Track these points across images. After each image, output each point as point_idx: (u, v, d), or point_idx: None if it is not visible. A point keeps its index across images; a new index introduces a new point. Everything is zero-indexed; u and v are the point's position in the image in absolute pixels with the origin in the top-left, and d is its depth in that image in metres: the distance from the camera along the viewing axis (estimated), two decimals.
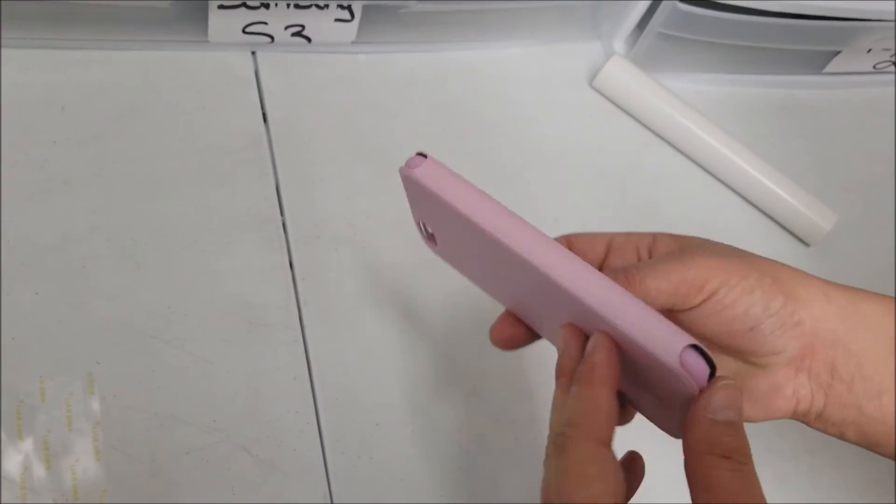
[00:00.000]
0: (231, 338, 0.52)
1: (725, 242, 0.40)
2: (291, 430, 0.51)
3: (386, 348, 0.55)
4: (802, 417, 0.40)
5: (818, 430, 0.40)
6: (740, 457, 0.33)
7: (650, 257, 0.40)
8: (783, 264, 0.39)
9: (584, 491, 0.32)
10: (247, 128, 0.60)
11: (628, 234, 0.41)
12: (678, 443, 0.34)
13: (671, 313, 0.37)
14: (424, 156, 0.37)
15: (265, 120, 0.60)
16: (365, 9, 0.60)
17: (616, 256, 0.41)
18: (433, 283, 0.57)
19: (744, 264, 0.37)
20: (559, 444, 0.33)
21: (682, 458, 0.33)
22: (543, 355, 0.44)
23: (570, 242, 0.41)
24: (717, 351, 0.39)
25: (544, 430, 0.35)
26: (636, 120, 0.69)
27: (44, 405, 0.48)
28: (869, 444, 0.40)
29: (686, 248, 0.39)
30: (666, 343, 0.33)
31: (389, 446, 0.52)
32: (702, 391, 0.33)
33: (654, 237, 0.41)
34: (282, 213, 0.57)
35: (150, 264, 0.53)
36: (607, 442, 0.33)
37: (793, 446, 0.59)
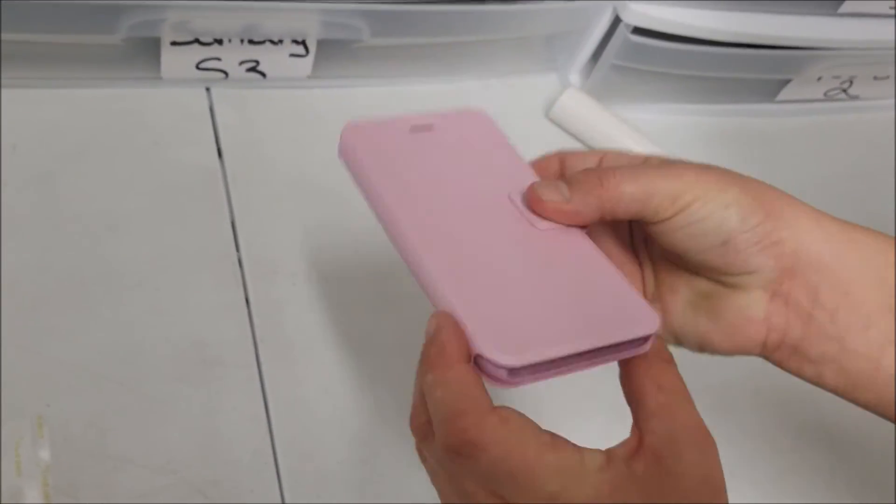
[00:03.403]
0: (185, 377, 0.51)
1: None
2: (248, 470, 0.50)
3: (345, 385, 0.54)
4: (774, 352, 0.37)
5: (791, 371, 0.38)
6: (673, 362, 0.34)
7: None
8: (772, 187, 0.37)
9: (528, 450, 0.31)
10: (201, 164, 0.59)
11: (620, 153, 0.40)
12: None
13: (643, 224, 0.37)
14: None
15: (220, 155, 0.60)
16: (320, 44, 0.60)
17: None
18: (391, 318, 0.56)
19: (725, 179, 0.36)
20: (450, 445, 0.31)
21: None
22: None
23: (563, 158, 0.40)
24: (686, 268, 0.38)
25: None
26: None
27: None
28: (849, 387, 0.37)
29: (671, 160, 0.38)
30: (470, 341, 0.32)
31: (351, 484, 0.51)
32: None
33: (647, 158, 0.39)
34: (237, 250, 0.56)
35: (102, 304, 0.52)
36: (491, 409, 0.31)
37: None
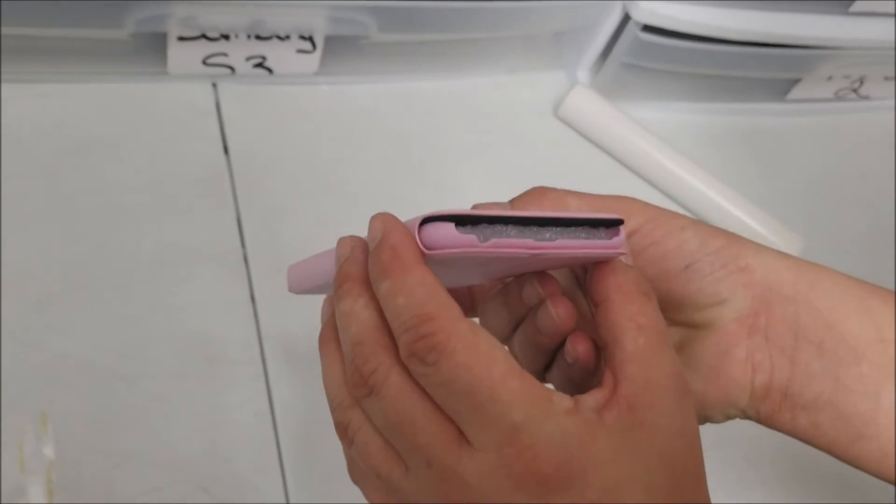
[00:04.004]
0: (190, 374, 0.51)
1: None
2: (252, 468, 0.49)
3: None
4: (765, 400, 0.34)
5: (785, 426, 0.34)
6: (656, 298, 0.31)
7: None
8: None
9: (495, 367, 0.27)
10: (207, 159, 0.59)
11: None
12: None
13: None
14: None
15: (226, 151, 0.59)
16: (327, 40, 0.60)
17: None
18: None
19: (673, 212, 0.34)
20: (415, 351, 0.27)
21: None
22: None
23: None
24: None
25: None
26: (601, 149, 0.69)
27: None
28: (850, 436, 0.33)
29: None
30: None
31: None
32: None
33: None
34: (243, 246, 0.56)
35: (107, 300, 0.52)
36: (461, 315, 0.28)
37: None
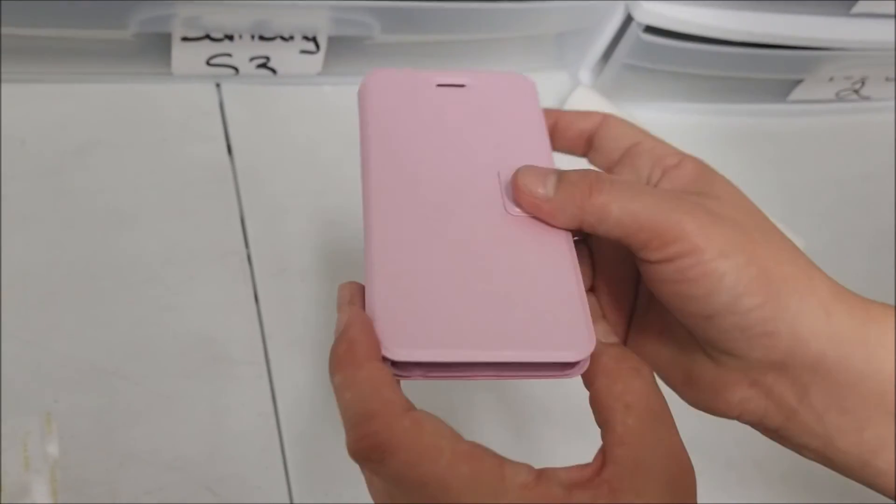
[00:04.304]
0: (193, 374, 0.51)
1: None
2: (256, 467, 0.49)
3: None
4: (749, 424, 0.34)
5: (769, 437, 0.34)
6: (647, 369, 0.30)
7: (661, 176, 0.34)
8: (796, 257, 0.32)
9: (440, 458, 0.27)
10: (211, 160, 0.59)
11: (622, 123, 0.35)
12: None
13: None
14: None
15: (230, 152, 0.60)
16: (330, 40, 0.60)
17: (629, 165, 0.35)
18: None
19: (736, 239, 0.30)
20: (359, 450, 0.28)
21: None
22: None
23: (556, 118, 0.36)
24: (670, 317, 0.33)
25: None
26: None
27: (1, 446, 0.46)
28: (835, 469, 0.33)
29: (696, 190, 0.33)
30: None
31: (359, 482, 0.51)
32: None
33: (681, 161, 0.34)
34: (246, 246, 0.56)
35: (111, 300, 0.52)
36: (409, 406, 0.28)
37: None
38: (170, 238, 0.55)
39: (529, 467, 0.28)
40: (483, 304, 0.30)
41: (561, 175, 0.32)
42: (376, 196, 0.33)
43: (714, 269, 0.30)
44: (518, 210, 0.33)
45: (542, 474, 0.28)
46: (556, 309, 0.30)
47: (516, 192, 0.33)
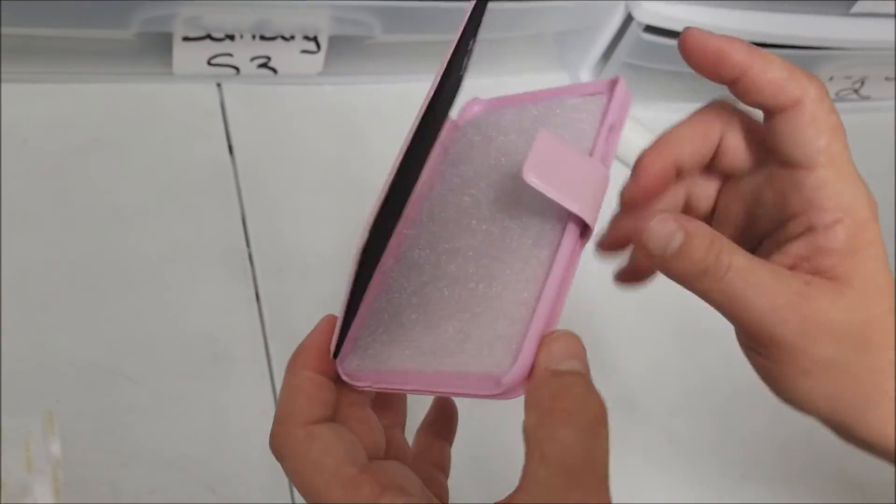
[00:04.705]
0: (195, 373, 0.51)
1: None
2: (258, 467, 0.49)
3: None
4: None
5: None
6: (586, 415, 0.26)
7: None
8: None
9: (319, 475, 0.29)
10: (212, 159, 0.59)
11: (828, 182, 0.34)
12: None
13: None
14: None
15: (231, 151, 0.60)
16: (331, 40, 0.60)
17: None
18: None
19: (828, 376, 0.32)
20: (277, 453, 0.31)
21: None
22: None
23: (677, 162, 0.37)
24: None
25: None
26: None
27: (2, 446, 0.46)
28: None
29: (832, 275, 0.33)
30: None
31: None
32: None
33: (835, 224, 0.34)
34: (248, 245, 0.56)
35: (112, 299, 0.52)
36: (317, 419, 0.30)
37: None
38: (171, 237, 0.55)
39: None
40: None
41: (688, 238, 0.32)
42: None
43: (799, 386, 0.32)
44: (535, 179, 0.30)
45: None
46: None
47: (640, 249, 0.33)
